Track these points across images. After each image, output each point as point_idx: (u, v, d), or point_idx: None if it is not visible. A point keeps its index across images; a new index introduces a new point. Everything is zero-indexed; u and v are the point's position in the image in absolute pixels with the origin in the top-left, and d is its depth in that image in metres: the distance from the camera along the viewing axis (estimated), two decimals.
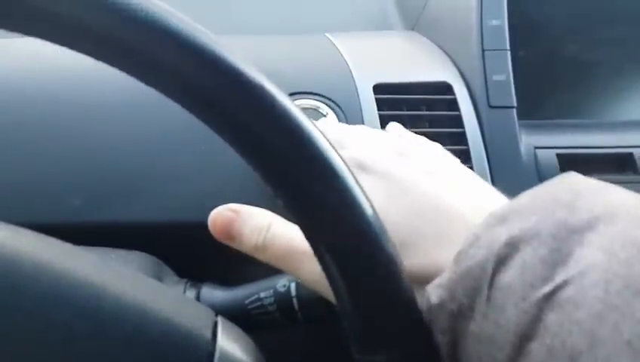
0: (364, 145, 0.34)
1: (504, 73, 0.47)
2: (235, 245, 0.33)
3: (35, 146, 0.42)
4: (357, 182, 0.22)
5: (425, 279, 0.26)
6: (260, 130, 0.21)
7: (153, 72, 0.21)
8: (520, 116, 0.47)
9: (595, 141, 0.48)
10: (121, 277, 0.24)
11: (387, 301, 0.23)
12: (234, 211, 0.33)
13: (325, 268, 0.23)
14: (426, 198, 0.29)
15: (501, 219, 0.24)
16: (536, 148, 0.47)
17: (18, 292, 0.21)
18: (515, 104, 0.47)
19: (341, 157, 0.22)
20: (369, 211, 0.22)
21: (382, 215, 0.23)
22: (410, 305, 0.24)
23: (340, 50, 0.51)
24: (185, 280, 0.39)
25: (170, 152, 0.43)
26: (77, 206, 0.41)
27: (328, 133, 0.35)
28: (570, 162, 0.46)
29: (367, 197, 0.22)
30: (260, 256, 0.32)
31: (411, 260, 0.24)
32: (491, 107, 0.47)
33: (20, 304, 0.21)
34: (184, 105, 0.22)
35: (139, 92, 0.44)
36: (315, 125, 0.22)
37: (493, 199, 0.31)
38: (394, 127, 0.41)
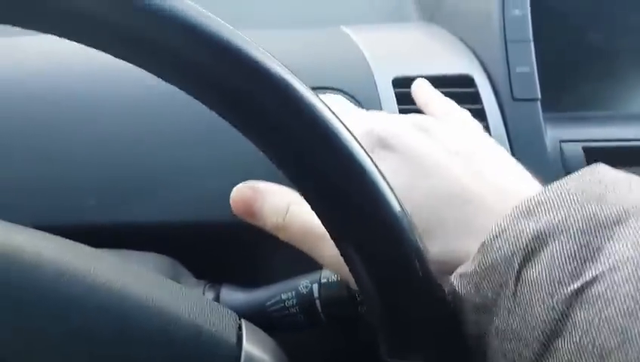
0: (385, 120, 0.33)
1: (528, 65, 0.46)
2: (255, 223, 0.32)
3: (48, 147, 0.41)
4: (380, 172, 0.21)
5: (445, 267, 0.25)
6: (277, 120, 0.20)
7: (173, 67, 0.20)
8: (544, 109, 0.46)
9: (623, 133, 0.46)
10: (143, 279, 0.24)
11: (417, 299, 0.22)
12: (255, 189, 0.32)
13: (352, 267, 0.22)
14: (448, 182, 0.28)
15: (528, 211, 0.23)
16: (562, 141, 0.45)
17: (40, 296, 0.21)
18: (539, 96, 0.46)
19: (362, 147, 0.21)
20: (395, 204, 0.21)
21: (403, 198, 0.22)
22: (441, 302, 0.23)
23: (357, 43, 0.50)
24: (203, 281, 0.38)
25: (184, 152, 0.42)
26: (91, 206, 0.40)
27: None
28: (597, 155, 0.45)
29: (391, 189, 0.21)
30: (281, 236, 0.31)
31: (432, 248, 0.24)
32: (515, 100, 0.46)
33: (42, 308, 0.21)
34: (201, 98, 0.21)
35: (153, 90, 0.44)
36: (335, 114, 0.21)
37: (521, 181, 0.30)
38: (421, 83, 0.40)
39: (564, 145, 0.45)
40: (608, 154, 0.46)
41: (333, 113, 0.21)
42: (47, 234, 0.23)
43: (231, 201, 0.32)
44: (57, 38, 0.20)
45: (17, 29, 0.21)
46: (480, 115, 0.45)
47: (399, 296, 0.22)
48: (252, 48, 0.20)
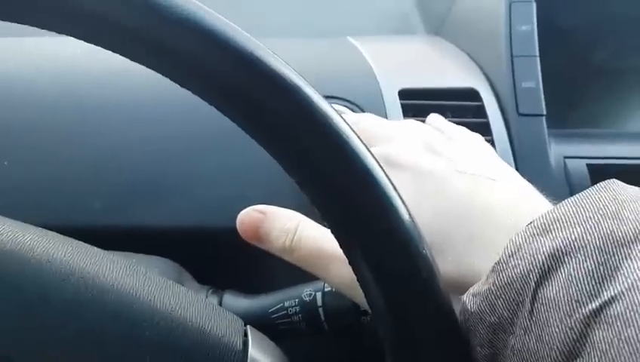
0: (395, 141, 0.33)
1: (534, 80, 0.46)
2: (263, 246, 0.32)
3: (56, 149, 0.41)
4: (394, 186, 0.21)
5: (457, 286, 0.25)
6: (295, 133, 0.20)
7: (187, 72, 0.20)
8: (549, 124, 0.46)
9: (627, 151, 0.47)
10: (152, 282, 0.23)
11: (425, 311, 0.22)
12: (261, 212, 0.32)
13: (360, 277, 0.22)
14: (457, 200, 0.29)
15: (543, 228, 0.23)
16: (566, 157, 0.45)
17: (49, 296, 0.21)
18: (544, 112, 0.46)
19: (377, 162, 0.21)
20: (406, 217, 0.21)
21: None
22: (449, 315, 0.23)
23: (364, 53, 0.50)
24: (206, 287, 0.38)
25: (191, 158, 0.42)
26: (97, 209, 0.40)
27: (360, 126, 0.34)
28: (601, 173, 0.45)
29: (403, 202, 0.21)
30: (288, 258, 0.31)
31: (442, 266, 0.23)
32: (520, 115, 0.46)
33: (51, 308, 0.21)
34: (213, 102, 0.21)
35: (161, 94, 0.44)
36: (349, 125, 0.21)
37: (530, 200, 0.29)
38: (434, 118, 0.40)
39: (568, 161, 0.45)
40: (612, 171, 0.45)
41: (351, 129, 0.21)
42: (56, 235, 0.23)
43: (238, 225, 0.32)
44: (67, 39, 0.20)
45: (29, 29, 0.21)
46: (485, 129, 0.45)
47: (409, 310, 0.22)
48: (278, 63, 0.20)
